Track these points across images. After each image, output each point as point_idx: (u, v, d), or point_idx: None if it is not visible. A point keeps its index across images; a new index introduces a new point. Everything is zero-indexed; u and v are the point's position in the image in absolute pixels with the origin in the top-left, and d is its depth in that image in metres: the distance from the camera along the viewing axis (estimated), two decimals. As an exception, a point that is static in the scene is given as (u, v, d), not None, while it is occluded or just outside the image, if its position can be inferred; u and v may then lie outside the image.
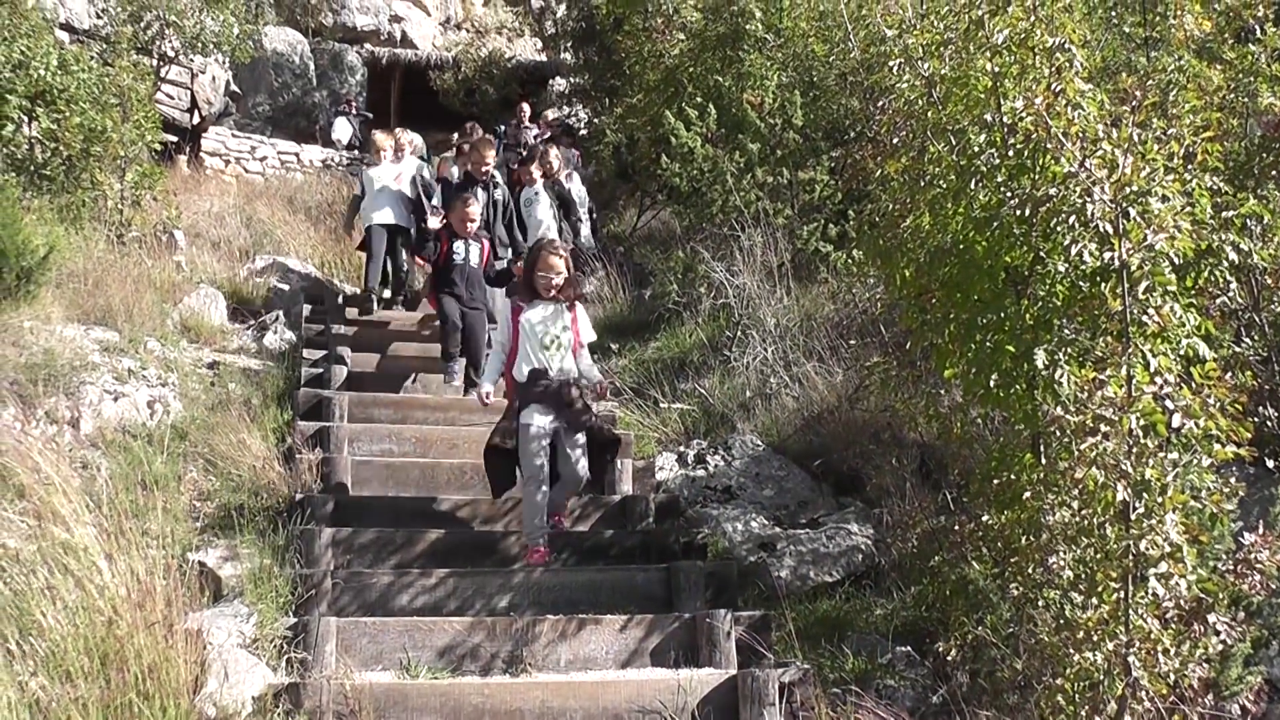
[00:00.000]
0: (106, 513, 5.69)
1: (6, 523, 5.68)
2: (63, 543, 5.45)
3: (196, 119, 18.93)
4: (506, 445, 6.62)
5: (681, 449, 8.20)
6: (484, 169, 10.11)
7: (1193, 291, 5.39)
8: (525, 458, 6.50)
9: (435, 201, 10.60)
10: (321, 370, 9.06)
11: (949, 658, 5.48)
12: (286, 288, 11.62)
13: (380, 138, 11.43)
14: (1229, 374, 5.85)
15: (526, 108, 17.37)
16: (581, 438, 6.63)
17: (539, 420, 6.51)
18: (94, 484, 6.29)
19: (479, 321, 8.95)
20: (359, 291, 11.72)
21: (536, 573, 6.33)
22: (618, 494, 7.59)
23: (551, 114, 16.73)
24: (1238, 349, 6.47)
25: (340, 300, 11.33)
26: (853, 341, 9.01)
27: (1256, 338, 6.65)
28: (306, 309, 10.93)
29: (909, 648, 5.99)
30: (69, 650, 4.84)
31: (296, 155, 20.42)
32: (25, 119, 10.85)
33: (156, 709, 4.67)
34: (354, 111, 21.18)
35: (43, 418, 7.20)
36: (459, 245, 9.12)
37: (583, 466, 6.63)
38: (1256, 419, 5.75)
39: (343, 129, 20.71)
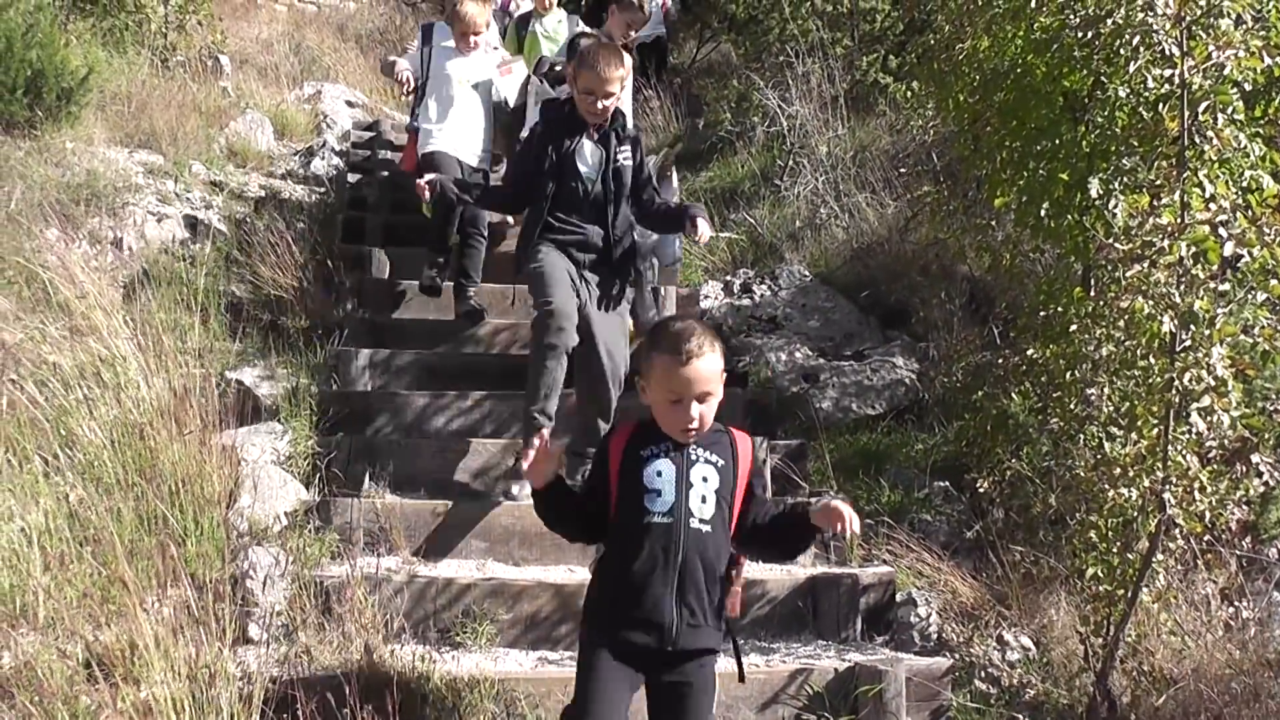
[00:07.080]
0: (146, 330, 5.71)
1: (49, 338, 5.71)
2: (102, 357, 5.48)
3: (249, -57, 18.48)
4: None
5: (728, 278, 8.04)
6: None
7: (1261, 121, 5.13)
8: None
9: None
10: (366, 194, 8.91)
11: (982, 491, 5.42)
12: (335, 113, 11.43)
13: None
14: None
15: None
16: None
17: None
18: (134, 302, 6.30)
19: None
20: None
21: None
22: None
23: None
24: (1306, 185, 6.20)
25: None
26: (903, 171, 8.75)
27: (1328, 173, 6.36)
28: (354, 134, 10.76)
29: (947, 483, 5.94)
30: (106, 462, 4.90)
31: (351, -18, 20.01)
32: (65, -60, 10.59)
33: (190, 520, 4.72)
34: None
35: (86, 237, 7.20)
36: None
37: None
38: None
39: None
